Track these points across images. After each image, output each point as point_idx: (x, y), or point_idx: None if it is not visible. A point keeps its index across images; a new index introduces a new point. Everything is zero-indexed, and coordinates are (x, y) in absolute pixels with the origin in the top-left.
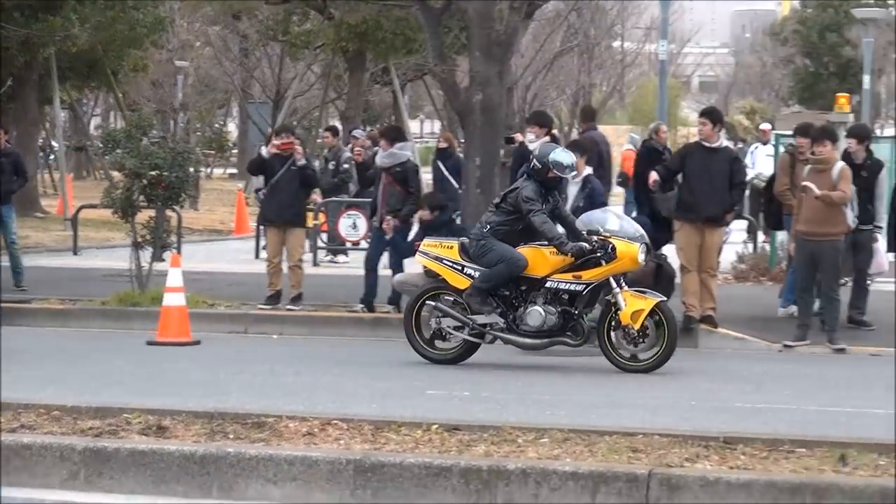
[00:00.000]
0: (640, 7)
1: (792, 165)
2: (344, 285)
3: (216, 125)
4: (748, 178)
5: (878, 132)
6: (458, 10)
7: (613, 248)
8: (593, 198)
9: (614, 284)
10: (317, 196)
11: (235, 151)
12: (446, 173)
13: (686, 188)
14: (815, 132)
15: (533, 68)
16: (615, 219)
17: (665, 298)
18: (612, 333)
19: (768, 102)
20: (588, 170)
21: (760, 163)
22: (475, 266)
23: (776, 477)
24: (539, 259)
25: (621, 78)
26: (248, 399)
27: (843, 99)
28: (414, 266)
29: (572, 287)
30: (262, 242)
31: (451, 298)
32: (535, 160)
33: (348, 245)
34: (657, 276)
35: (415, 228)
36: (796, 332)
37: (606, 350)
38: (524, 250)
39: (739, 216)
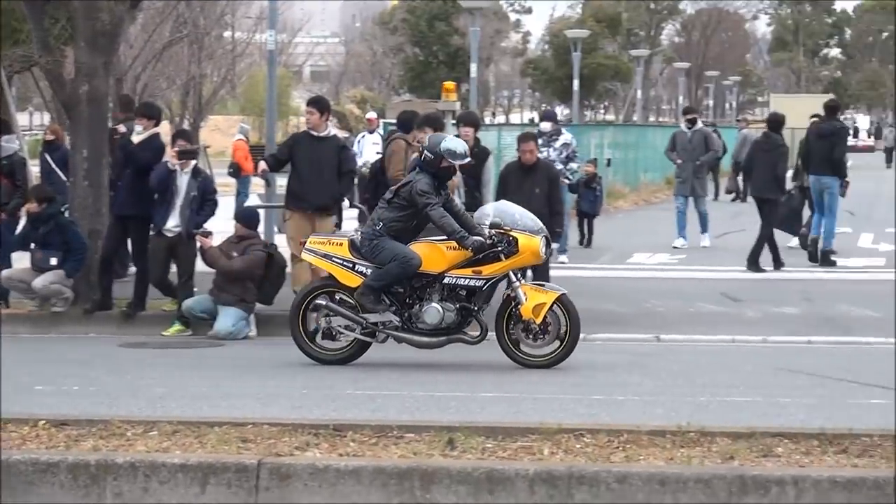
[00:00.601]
0: None
1: (406, 151)
2: None
3: None
4: (357, 166)
5: (488, 120)
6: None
7: (515, 242)
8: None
9: (514, 278)
10: None
11: None
12: (53, 165)
13: (295, 177)
14: (420, 120)
15: (142, 59)
16: (515, 212)
17: (565, 291)
18: (512, 328)
19: (379, 91)
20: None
21: (368, 151)
22: (367, 263)
23: (384, 462)
24: (435, 255)
25: (232, 68)
26: None
27: (450, 87)
28: (22, 262)
29: (472, 283)
30: None
31: (339, 296)
32: (426, 150)
33: None
34: (268, 266)
35: (23, 222)
36: None
37: (505, 346)
38: (418, 246)
39: (351, 205)
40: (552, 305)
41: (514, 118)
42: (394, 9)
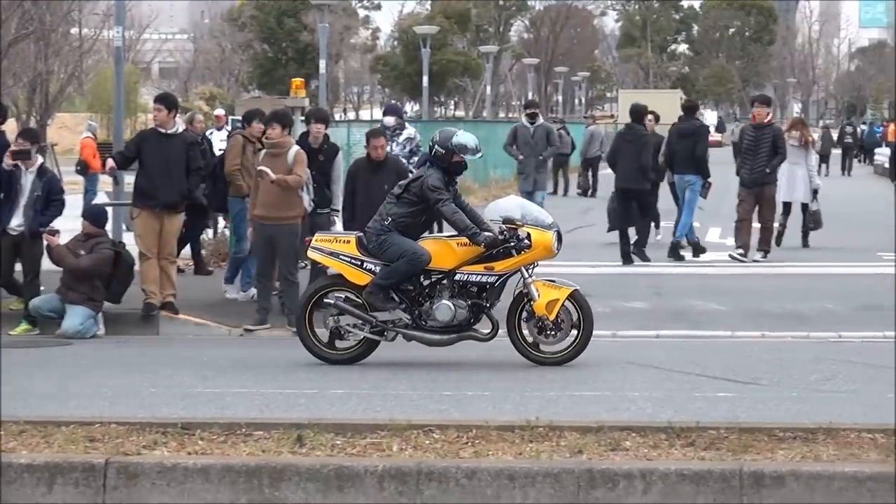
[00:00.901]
0: None
1: (244, 147)
2: None
3: None
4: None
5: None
6: None
7: (528, 237)
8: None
9: (526, 274)
10: None
11: None
12: None
13: (143, 175)
14: (267, 116)
15: None
16: (527, 207)
17: (578, 287)
18: (524, 325)
19: (228, 88)
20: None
21: (216, 147)
22: (375, 261)
23: (233, 460)
24: (445, 251)
25: (80, 65)
26: None
27: (298, 83)
28: None
29: (484, 279)
30: None
31: (344, 295)
32: (437, 145)
33: None
34: (116, 265)
35: None
36: (257, 317)
37: (518, 343)
38: (427, 243)
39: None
40: (565, 301)
41: (364, 114)
42: (242, 5)
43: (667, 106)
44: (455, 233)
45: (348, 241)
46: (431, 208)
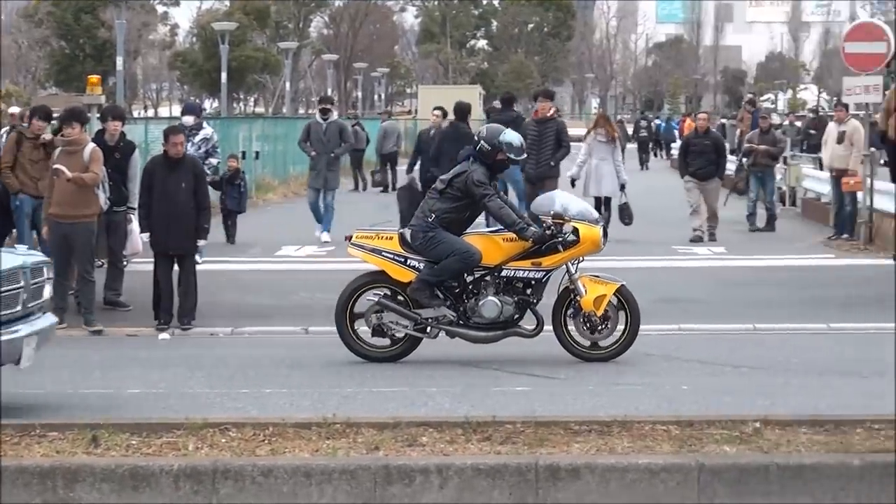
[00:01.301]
0: None
1: (19, 143)
2: None
3: None
4: None
5: (137, 114)
6: None
7: (576, 232)
8: None
9: (573, 269)
10: None
11: None
12: None
13: None
14: (64, 114)
15: None
16: (573, 201)
17: (624, 282)
18: (570, 321)
19: (25, 85)
20: None
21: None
22: (419, 257)
23: (26, 462)
24: (491, 247)
25: None
26: None
27: (94, 80)
28: None
29: (531, 274)
30: None
31: (383, 291)
32: (483, 141)
33: None
34: None
35: None
36: None
37: (564, 339)
38: (473, 239)
39: None
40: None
41: (163, 111)
42: (38, 1)
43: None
44: (498, 228)
45: (391, 238)
46: (475, 204)
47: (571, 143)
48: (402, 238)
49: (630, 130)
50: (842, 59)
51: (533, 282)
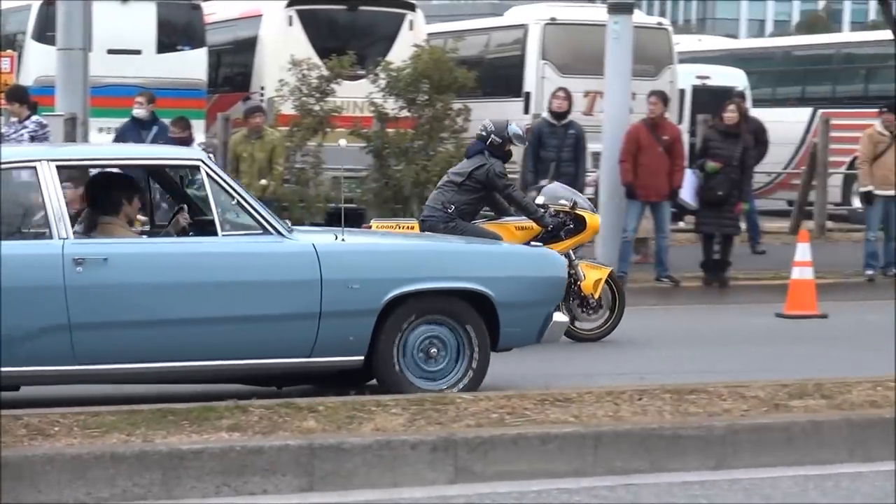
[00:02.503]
0: None
1: None
2: None
3: None
4: None
5: None
6: None
7: (583, 220)
8: None
9: (573, 256)
10: None
11: None
12: None
13: None
14: None
15: None
16: (572, 191)
17: (613, 267)
18: (570, 305)
19: None
20: None
21: None
22: None
23: None
24: (506, 235)
25: None
26: None
27: None
28: None
29: None
30: None
31: None
32: (493, 135)
33: None
34: None
35: None
36: None
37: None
38: (491, 228)
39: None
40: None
41: None
42: None
43: None
44: (508, 217)
45: (412, 227)
46: (491, 195)
47: None
48: (422, 227)
49: None
50: None
51: None
